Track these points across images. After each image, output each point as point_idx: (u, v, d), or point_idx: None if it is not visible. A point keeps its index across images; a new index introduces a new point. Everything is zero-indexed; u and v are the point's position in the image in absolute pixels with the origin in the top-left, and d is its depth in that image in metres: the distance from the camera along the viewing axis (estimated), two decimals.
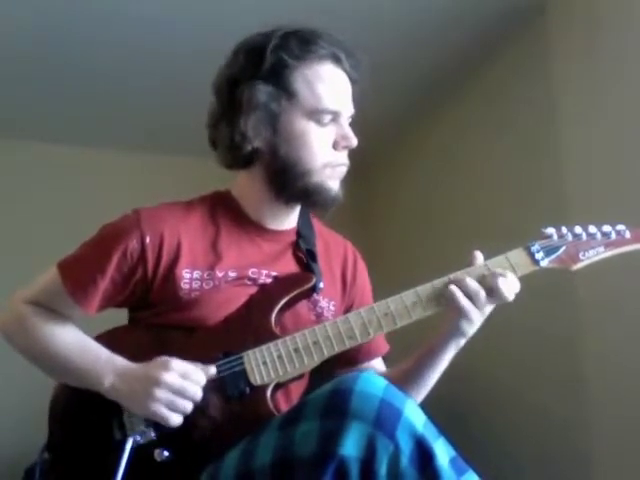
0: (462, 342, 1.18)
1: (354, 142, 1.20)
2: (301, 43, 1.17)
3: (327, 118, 1.17)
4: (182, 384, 1.05)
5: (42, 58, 2.86)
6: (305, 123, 1.16)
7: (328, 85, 1.17)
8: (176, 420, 1.05)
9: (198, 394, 1.06)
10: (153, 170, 3.71)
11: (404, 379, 1.23)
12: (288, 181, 1.18)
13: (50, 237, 3.10)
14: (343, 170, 1.22)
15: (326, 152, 1.18)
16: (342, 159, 1.21)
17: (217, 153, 1.25)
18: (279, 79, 1.15)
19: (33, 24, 2.62)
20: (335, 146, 1.19)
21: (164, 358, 1.08)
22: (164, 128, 3.49)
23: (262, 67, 1.15)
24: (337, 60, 1.19)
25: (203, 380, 1.07)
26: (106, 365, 1.11)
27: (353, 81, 1.23)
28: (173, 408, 1.05)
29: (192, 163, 3.51)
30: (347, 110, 1.21)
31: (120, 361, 1.11)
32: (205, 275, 1.17)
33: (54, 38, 2.72)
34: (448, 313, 1.14)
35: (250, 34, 1.22)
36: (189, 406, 1.06)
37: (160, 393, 1.04)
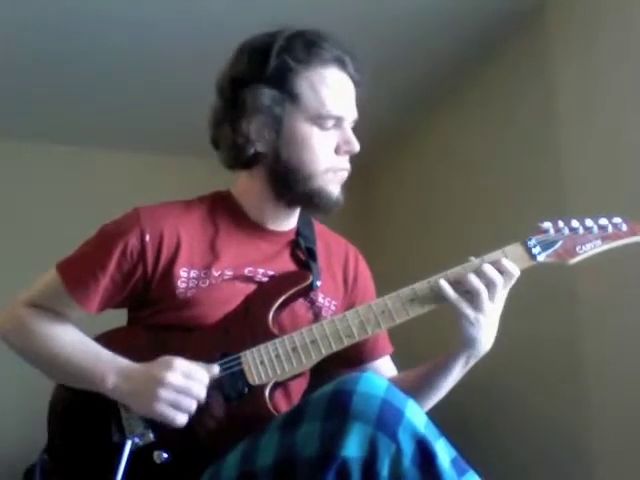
0: (474, 353, 1.14)
1: (356, 147, 1.20)
2: (306, 46, 1.16)
3: (330, 123, 1.17)
4: (186, 383, 1.05)
5: (42, 59, 2.86)
6: (308, 127, 1.16)
7: (332, 90, 1.17)
8: (182, 419, 1.05)
9: (202, 393, 1.06)
10: (153, 170, 3.72)
11: (415, 385, 1.22)
12: (290, 185, 1.18)
13: (50, 237, 3.10)
14: (344, 175, 1.22)
15: (328, 157, 1.18)
16: (344, 164, 1.21)
17: (219, 152, 1.24)
18: (283, 83, 1.15)
19: (33, 25, 2.62)
20: (337, 151, 1.19)
21: (167, 357, 1.07)
22: (164, 128, 3.49)
23: (266, 70, 1.15)
24: (342, 64, 1.19)
25: (206, 379, 1.07)
26: (108, 365, 1.10)
27: (357, 85, 1.22)
28: (178, 407, 1.04)
29: (192, 163, 3.52)
30: (350, 115, 1.20)
31: (123, 361, 1.11)
32: (202, 274, 1.17)
33: (55, 39, 2.72)
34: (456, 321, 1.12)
35: (254, 33, 1.21)
36: (193, 405, 1.05)
37: (164, 393, 1.04)
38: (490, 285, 1.09)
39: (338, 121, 1.18)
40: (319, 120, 1.16)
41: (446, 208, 3.32)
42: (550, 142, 2.59)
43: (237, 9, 2.55)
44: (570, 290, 2.38)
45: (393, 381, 1.02)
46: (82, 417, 1.16)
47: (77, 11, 2.55)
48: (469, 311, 1.09)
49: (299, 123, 1.16)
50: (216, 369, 1.09)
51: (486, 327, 1.11)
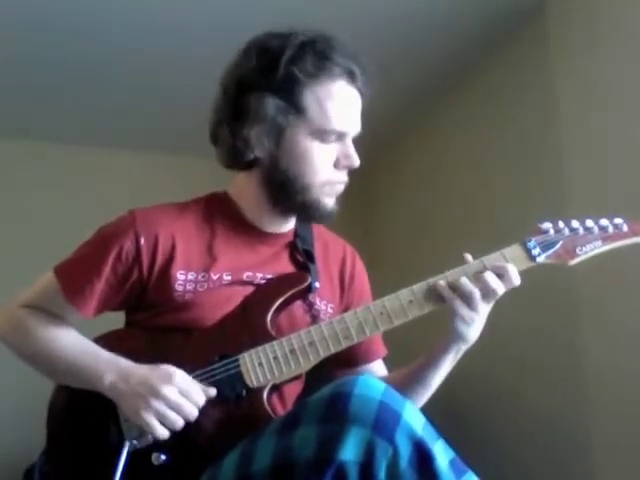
0: (463, 346, 1.16)
1: (356, 162, 1.19)
2: (316, 58, 1.14)
3: (332, 137, 1.16)
4: (180, 400, 1.04)
5: (42, 59, 2.86)
6: (309, 141, 1.15)
7: (338, 105, 1.16)
8: (162, 433, 1.04)
9: (193, 414, 1.06)
10: (153, 170, 3.71)
11: (405, 383, 1.22)
12: (285, 194, 1.18)
13: (50, 237, 3.10)
14: (341, 188, 1.21)
15: (327, 170, 1.17)
16: (342, 177, 1.20)
17: (217, 150, 1.24)
18: (289, 94, 1.14)
19: (34, 24, 2.62)
20: (336, 165, 1.18)
21: (170, 369, 1.07)
22: (164, 128, 3.49)
23: (274, 78, 1.13)
24: (351, 78, 1.17)
25: (202, 401, 1.07)
26: (107, 364, 1.10)
27: (365, 96, 1.21)
28: (163, 421, 1.04)
29: (192, 163, 3.52)
30: (354, 129, 1.20)
31: (124, 362, 1.10)
32: (200, 277, 1.16)
33: (55, 39, 2.72)
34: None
35: (256, 34, 1.20)
36: (180, 423, 1.05)
37: (156, 404, 1.04)
38: (490, 292, 1.09)
39: (340, 136, 1.17)
40: (322, 134, 1.15)
41: (446, 208, 3.32)
42: (550, 142, 2.59)
43: (238, 9, 2.55)
44: (570, 288, 2.38)
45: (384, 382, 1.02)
46: (81, 418, 1.16)
47: (77, 11, 2.55)
48: (465, 311, 1.10)
49: (301, 136, 1.15)
50: (213, 391, 1.08)
51: (477, 323, 1.12)
